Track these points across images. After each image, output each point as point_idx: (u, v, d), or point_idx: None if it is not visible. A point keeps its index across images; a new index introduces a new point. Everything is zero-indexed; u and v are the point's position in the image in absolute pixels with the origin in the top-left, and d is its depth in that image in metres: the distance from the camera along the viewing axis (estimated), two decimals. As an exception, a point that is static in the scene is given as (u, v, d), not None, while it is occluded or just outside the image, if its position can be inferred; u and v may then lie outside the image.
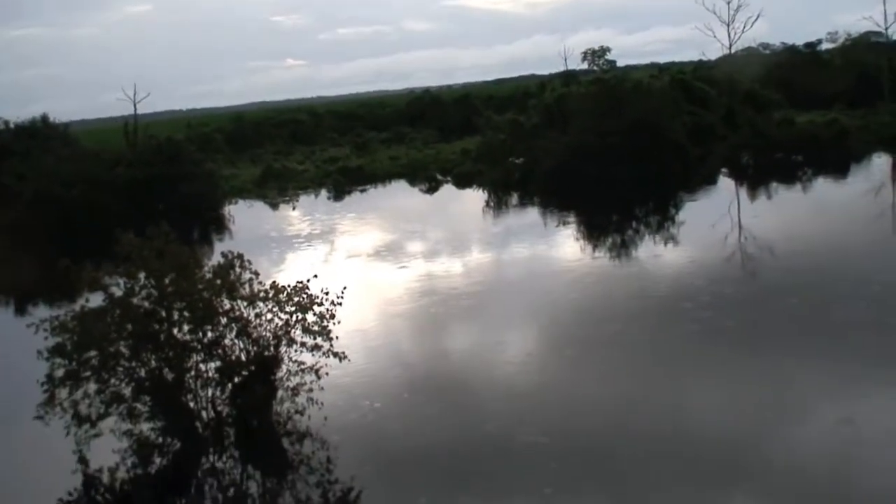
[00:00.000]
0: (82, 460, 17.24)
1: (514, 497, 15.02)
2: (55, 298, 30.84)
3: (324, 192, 63.48)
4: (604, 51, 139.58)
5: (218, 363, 18.30)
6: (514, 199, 51.32)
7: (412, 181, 64.38)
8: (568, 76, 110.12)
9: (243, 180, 68.63)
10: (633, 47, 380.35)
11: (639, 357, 21.14)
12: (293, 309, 18.68)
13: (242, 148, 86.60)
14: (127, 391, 17.84)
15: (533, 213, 46.73)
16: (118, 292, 18.14)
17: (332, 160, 75.47)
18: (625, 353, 21.43)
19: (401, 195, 60.03)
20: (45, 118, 65.80)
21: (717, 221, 37.03)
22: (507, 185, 54.44)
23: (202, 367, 18.26)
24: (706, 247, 32.54)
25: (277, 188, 65.27)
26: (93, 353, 17.55)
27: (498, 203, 50.70)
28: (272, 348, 18.66)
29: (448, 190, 59.42)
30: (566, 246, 36.14)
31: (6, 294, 38.56)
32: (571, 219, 43.60)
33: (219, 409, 18.55)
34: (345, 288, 19.20)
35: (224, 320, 18.37)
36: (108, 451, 17.67)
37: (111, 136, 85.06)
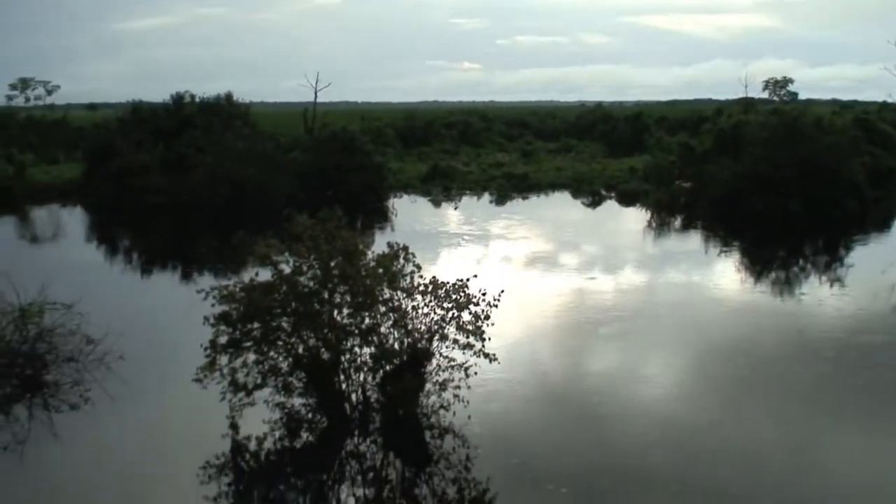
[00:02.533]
0: (234, 426, 17.78)
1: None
2: (225, 269, 31.98)
3: (486, 196, 63.78)
4: (786, 81, 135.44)
5: (372, 349, 18.52)
6: (677, 222, 50.26)
7: (575, 194, 64.00)
8: (747, 103, 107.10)
9: (409, 176, 69.71)
10: (816, 81, 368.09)
11: (796, 405, 20.23)
12: (450, 306, 18.76)
13: (412, 144, 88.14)
14: (284, 365, 18.28)
15: (695, 239, 45.63)
16: (287, 270, 18.54)
17: (497, 165, 75.78)
18: (782, 398, 20.56)
19: (563, 206, 59.79)
20: (229, 96, 67.98)
21: (889, 268, 35.26)
22: (671, 208, 53.45)
23: (357, 351, 18.51)
24: (875, 293, 30.92)
25: (442, 187, 65.99)
26: (256, 324, 18.04)
27: (660, 224, 49.75)
28: (425, 342, 18.76)
29: (610, 206, 58.73)
30: (726, 276, 35.15)
31: (179, 261, 40.20)
32: (735, 249, 42.34)
33: (368, 394, 18.78)
34: (502, 291, 19.14)
35: (382, 309, 18.59)
36: (259, 421, 18.19)
37: (288, 120, 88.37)
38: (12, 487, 16.11)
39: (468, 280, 19.13)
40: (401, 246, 19.25)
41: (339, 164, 56.39)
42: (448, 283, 18.99)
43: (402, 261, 19.07)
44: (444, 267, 34.14)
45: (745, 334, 26.12)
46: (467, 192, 65.30)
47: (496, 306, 18.97)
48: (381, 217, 52.96)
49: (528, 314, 28.29)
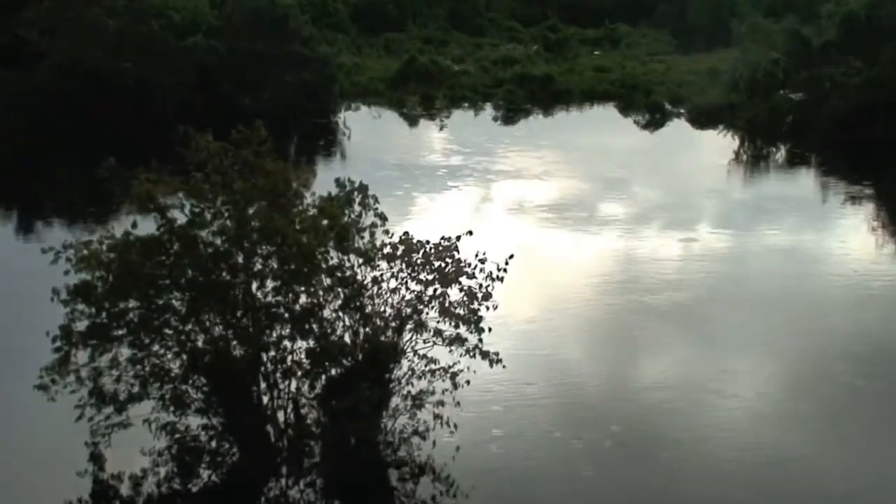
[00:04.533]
0: (96, 458, 17.73)
1: None
2: (85, 217, 31.69)
3: (489, 109, 63.46)
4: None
5: (311, 343, 18.45)
6: (781, 153, 50.20)
7: (625, 108, 63.90)
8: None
9: (371, 77, 69.25)
10: None
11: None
12: (431, 278, 18.76)
13: (375, 29, 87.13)
14: (175, 366, 18.18)
15: (807, 179, 45.73)
16: (180, 219, 18.35)
17: (506, 62, 75.27)
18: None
19: (605, 127, 59.60)
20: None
21: None
22: (771, 132, 53.34)
23: (287, 345, 18.43)
24: None
25: (420, 96, 65.55)
26: (132, 303, 17.89)
27: (755, 157, 49.68)
28: (392, 333, 18.70)
29: (679, 128, 58.63)
30: (853, 237, 35.29)
31: (14, 203, 39.54)
32: (867, 195, 42.34)
33: (303, 411, 18.72)
34: (511, 257, 19.07)
35: (328, 281, 18.50)
36: (135, 450, 18.16)
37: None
38: None
39: (458, 239, 19.09)
40: (356, 185, 19.09)
41: (263, 55, 55.88)
42: (428, 243, 18.93)
43: (357, 208, 18.94)
44: (422, 221, 34.05)
45: (881, 329, 26.13)
46: (460, 103, 64.96)
47: (501, 279, 18.88)
48: (326, 140, 52.81)
49: (550, 293, 28.29)
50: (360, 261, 18.85)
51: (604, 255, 32.52)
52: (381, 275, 18.90)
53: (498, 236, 30.62)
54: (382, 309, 18.89)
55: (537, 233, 34.97)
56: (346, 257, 18.83)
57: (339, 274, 18.74)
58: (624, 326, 26.44)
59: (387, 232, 19.06)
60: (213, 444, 18.69)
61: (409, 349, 18.92)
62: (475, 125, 58.94)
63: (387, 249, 18.94)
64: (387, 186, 38.58)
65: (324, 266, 18.63)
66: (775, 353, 24.67)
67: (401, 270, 18.89)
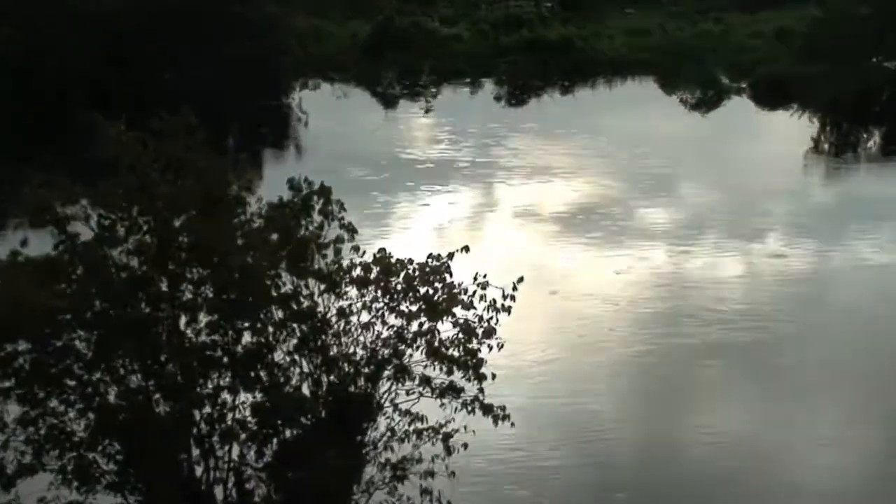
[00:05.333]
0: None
1: None
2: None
3: (489, 86, 63.56)
4: None
5: (258, 396, 18.39)
6: (874, 139, 50.20)
7: (669, 84, 64.21)
8: None
9: (338, 45, 69.28)
10: None
11: None
12: (415, 309, 18.69)
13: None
14: (79, 427, 18.06)
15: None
16: (85, 234, 18.22)
17: (511, 24, 75.32)
18: None
19: (643, 109, 59.55)
20: None
21: None
22: (862, 110, 53.39)
23: (227, 399, 18.38)
24: None
25: (399, 68, 65.57)
26: (23, 345, 17.75)
27: (840, 144, 49.68)
28: (365, 381, 18.64)
29: (739, 108, 58.79)
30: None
31: None
32: None
33: (248, 485, 18.63)
34: (521, 279, 18.97)
35: (279, 314, 18.41)
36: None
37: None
38: None
39: (451, 257, 18.99)
40: (315, 187, 18.95)
41: (191, 18, 55.80)
42: (411, 263, 18.84)
43: (317, 218, 18.81)
44: (403, 234, 34.35)
45: None
46: (452, 79, 65.08)
47: (508, 310, 18.79)
48: (276, 128, 52.90)
49: (573, 327, 28.41)
50: (322, 287, 18.73)
51: (643, 276, 32.62)
52: (350, 305, 18.74)
53: (503, 253, 30.93)
54: (352, 350, 18.76)
55: (555, 248, 35.15)
56: (303, 282, 18.70)
57: (294, 305, 18.60)
58: (671, 371, 26.45)
59: (357, 249, 18.88)
60: (130, 532, 18.58)
61: (387, 402, 18.82)
62: (471, 107, 59.06)
63: (357, 272, 18.80)
64: (356, 189, 38.85)
65: (274, 294, 18.51)
66: (880, 416, 24.57)
67: (375, 300, 18.76)
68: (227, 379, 18.39)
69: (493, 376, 18.58)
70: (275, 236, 18.67)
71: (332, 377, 18.66)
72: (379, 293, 18.83)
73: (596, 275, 32.86)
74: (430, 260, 18.99)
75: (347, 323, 18.82)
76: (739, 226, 37.78)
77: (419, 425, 18.63)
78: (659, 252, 35.03)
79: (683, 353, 27.21)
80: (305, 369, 18.66)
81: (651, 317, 29.61)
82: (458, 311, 18.80)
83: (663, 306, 30.40)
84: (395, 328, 18.80)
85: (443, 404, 18.61)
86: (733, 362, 26.89)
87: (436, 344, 18.66)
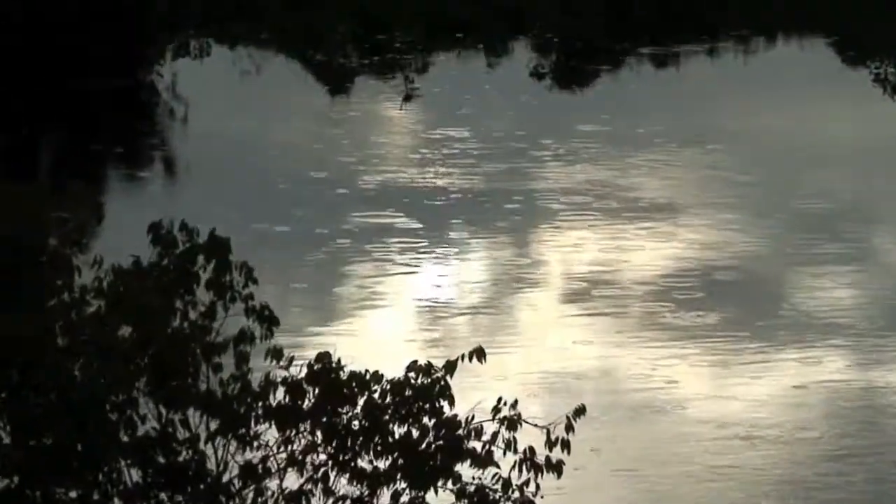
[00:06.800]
0: None
1: None
2: None
3: (520, 51, 56.47)
4: None
5: None
6: None
7: (852, 49, 57.64)
8: None
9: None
10: None
11: None
12: (386, 463, 14.41)
13: None
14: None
15: None
16: None
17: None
18: None
19: (805, 90, 52.70)
20: None
21: None
22: None
23: None
24: None
25: (356, 20, 58.42)
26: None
27: None
28: None
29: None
30: None
31: None
32: None
33: None
34: (581, 411, 13.54)
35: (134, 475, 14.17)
36: None
37: None
38: None
39: (451, 368, 13.90)
40: (201, 239, 14.18)
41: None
42: (378, 380, 13.83)
43: (202, 294, 14.40)
44: (360, 326, 26.89)
45: None
46: (447, 38, 57.88)
47: (558, 468, 13.45)
48: (130, 127, 44.64)
49: (664, 477, 21.28)
50: (215, 425, 13.97)
51: (819, 395, 24.78)
52: (266, 458, 13.71)
53: (548, 358, 24.11)
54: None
55: (639, 346, 26.84)
56: (177, 416, 14.03)
57: (158, 458, 14.20)
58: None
59: (278, 354, 13.66)
60: None
61: None
62: (487, 92, 51.16)
63: (279, 395, 13.93)
64: (278, 244, 30.61)
65: (125, 439, 14.29)
66: None
67: (313, 447, 13.80)
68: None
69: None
70: (127, 331, 13.94)
71: None
72: (319, 435, 13.87)
73: (730, 396, 24.59)
74: (412, 374, 13.99)
75: (260, 493, 13.86)
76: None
77: None
78: (840, 356, 26.93)
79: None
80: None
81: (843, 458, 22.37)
82: (463, 467, 14.02)
83: (856, 444, 22.94)
84: (349, 501, 14.05)
85: None
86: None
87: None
